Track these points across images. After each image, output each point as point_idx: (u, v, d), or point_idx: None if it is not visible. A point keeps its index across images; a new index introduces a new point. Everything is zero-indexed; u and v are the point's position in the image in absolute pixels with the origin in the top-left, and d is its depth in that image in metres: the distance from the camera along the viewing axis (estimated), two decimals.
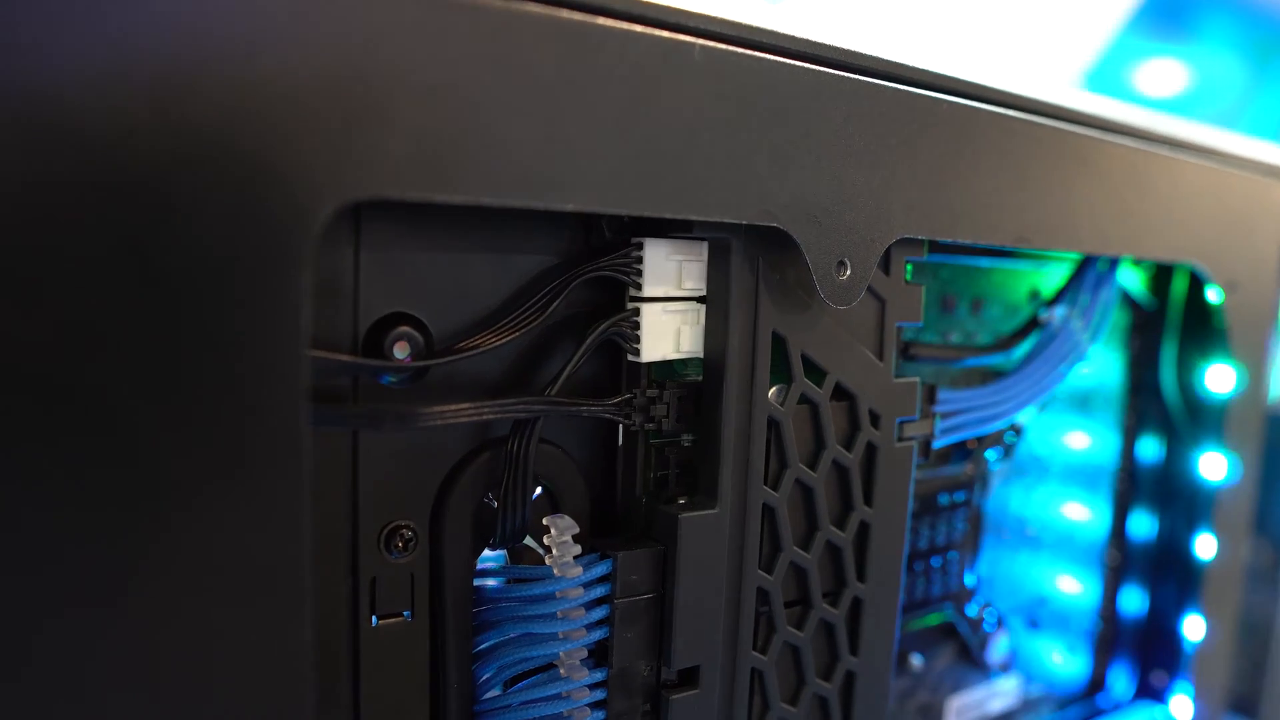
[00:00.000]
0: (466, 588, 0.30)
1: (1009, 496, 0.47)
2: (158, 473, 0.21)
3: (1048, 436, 0.48)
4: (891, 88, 0.31)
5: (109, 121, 0.19)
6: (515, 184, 0.24)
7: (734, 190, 0.27)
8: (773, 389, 0.32)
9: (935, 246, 0.39)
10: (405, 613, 0.29)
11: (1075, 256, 0.44)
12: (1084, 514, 0.51)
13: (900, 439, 0.35)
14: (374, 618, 0.29)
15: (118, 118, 0.19)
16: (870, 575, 0.35)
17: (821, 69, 0.29)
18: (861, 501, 0.34)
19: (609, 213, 0.25)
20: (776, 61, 0.28)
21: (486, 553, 0.31)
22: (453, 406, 0.27)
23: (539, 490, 0.31)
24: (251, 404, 0.21)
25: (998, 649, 0.47)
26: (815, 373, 0.32)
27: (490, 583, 0.31)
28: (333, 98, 0.21)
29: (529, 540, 0.31)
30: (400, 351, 0.27)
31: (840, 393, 0.33)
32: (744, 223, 0.28)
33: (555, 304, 0.29)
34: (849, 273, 0.30)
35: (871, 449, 0.34)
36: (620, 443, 0.32)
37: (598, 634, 0.30)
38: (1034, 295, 0.45)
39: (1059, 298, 0.43)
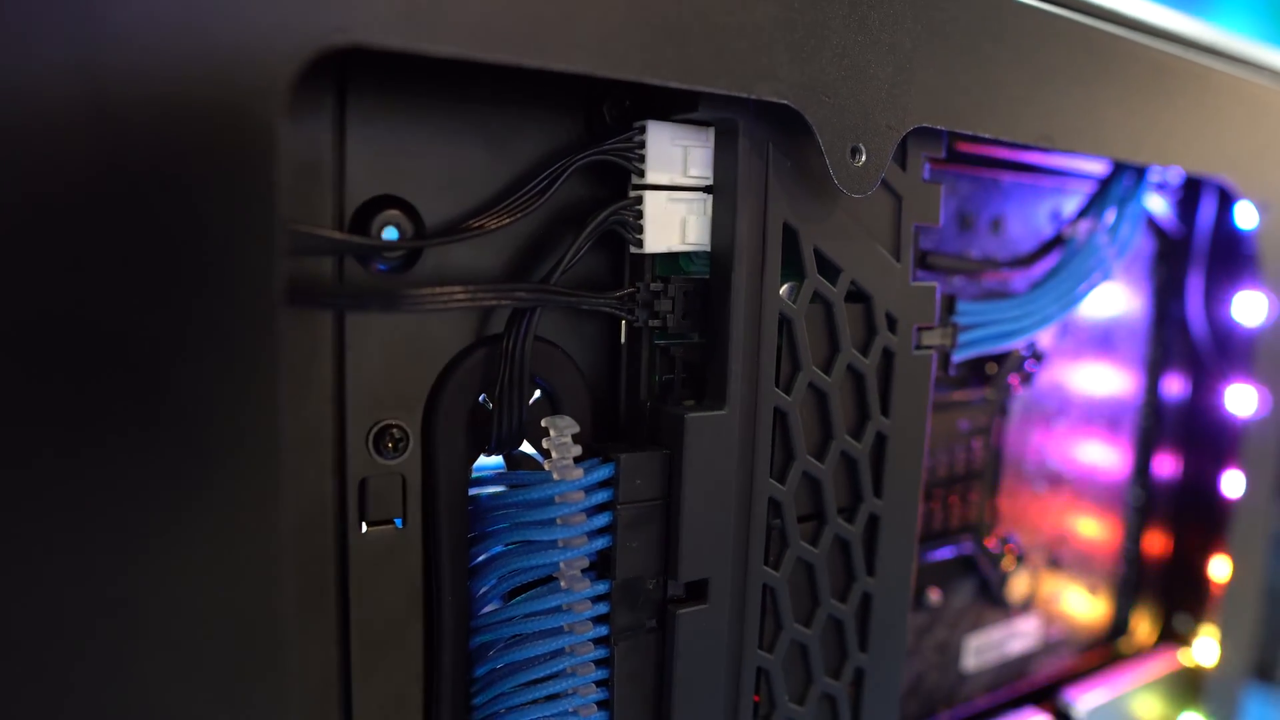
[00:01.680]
0: (461, 494, 0.28)
1: (1030, 432, 0.45)
2: (117, 346, 0.19)
3: (1069, 371, 0.47)
4: None
5: None
6: (508, 38, 0.22)
7: (742, 61, 0.26)
8: (784, 286, 0.30)
9: (955, 157, 0.37)
10: (396, 520, 0.28)
11: (1101, 173, 0.42)
12: (1106, 452, 0.50)
13: (919, 347, 0.33)
14: (363, 524, 0.27)
15: None
16: (888, 491, 0.33)
17: None
18: (878, 411, 0.32)
19: (608, 76, 0.24)
20: None
21: (484, 460, 0.29)
22: (444, 290, 0.25)
23: (537, 393, 0.30)
24: (218, 273, 0.20)
25: (1018, 587, 0.46)
26: (829, 270, 0.31)
27: (487, 491, 0.29)
28: None
29: (529, 448, 0.29)
30: (389, 235, 0.26)
31: (855, 294, 0.32)
32: (752, 98, 0.26)
33: (555, 187, 0.27)
34: (864, 159, 0.29)
35: (888, 355, 0.32)
36: (623, 341, 0.30)
37: (599, 543, 0.28)
38: (1056, 215, 0.43)
39: (1083, 212, 0.41)
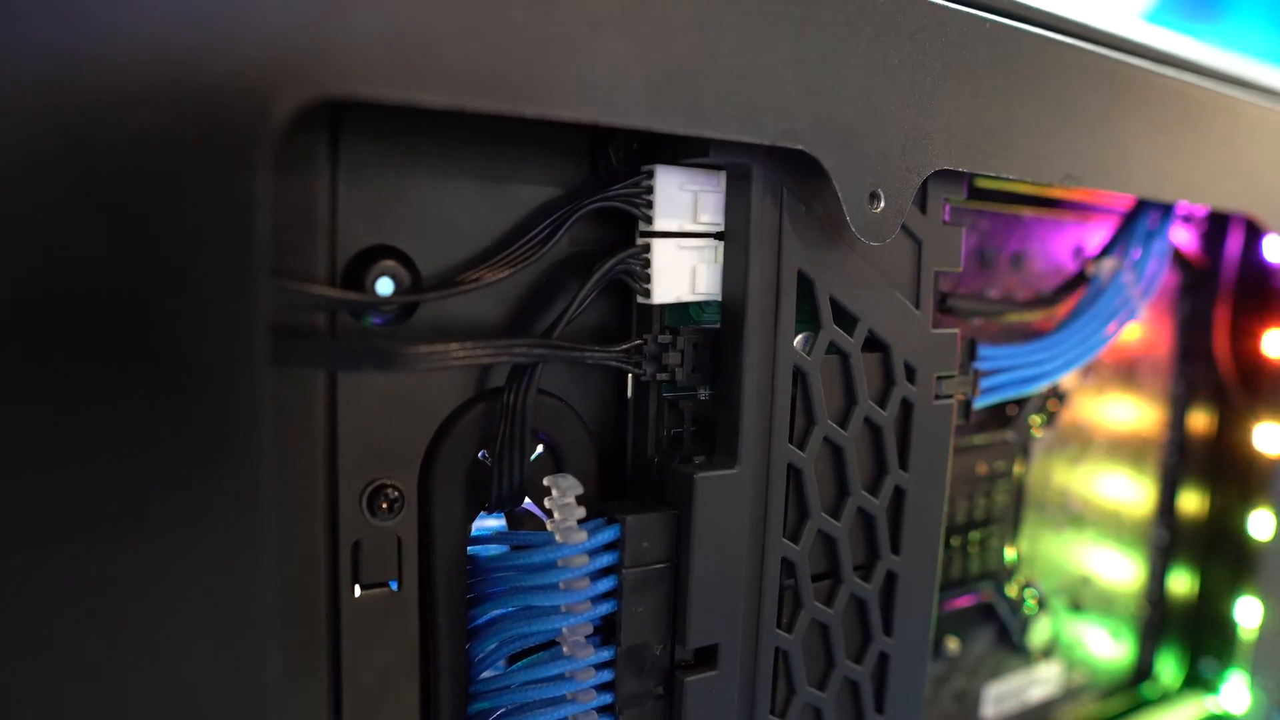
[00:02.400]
0: (459, 555, 0.27)
1: (1051, 469, 0.44)
2: (87, 409, 0.18)
3: (1090, 406, 0.45)
4: (931, 3, 0.28)
5: None
6: (506, 86, 0.21)
7: (755, 105, 0.24)
8: (798, 337, 0.29)
9: (975, 193, 0.36)
10: (391, 582, 0.26)
11: (1124, 210, 0.41)
12: (1129, 489, 0.48)
13: (938, 396, 0.32)
14: (357, 587, 0.26)
15: None
16: (906, 547, 0.32)
17: None
18: (896, 464, 0.31)
19: (611, 124, 0.22)
20: None
21: (484, 519, 0.28)
22: (442, 347, 0.24)
23: (540, 449, 0.28)
24: (197, 331, 0.18)
25: (1039, 633, 0.44)
26: (845, 320, 0.29)
27: (486, 550, 0.28)
28: None
29: (530, 506, 0.28)
30: (384, 288, 0.25)
31: (872, 343, 0.30)
32: (766, 144, 0.25)
33: (557, 237, 0.26)
34: (882, 205, 0.27)
35: (907, 406, 0.31)
36: (629, 395, 0.29)
37: (604, 608, 0.27)
38: (1079, 252, 0.42)
39: (1107, 250, 0.39)
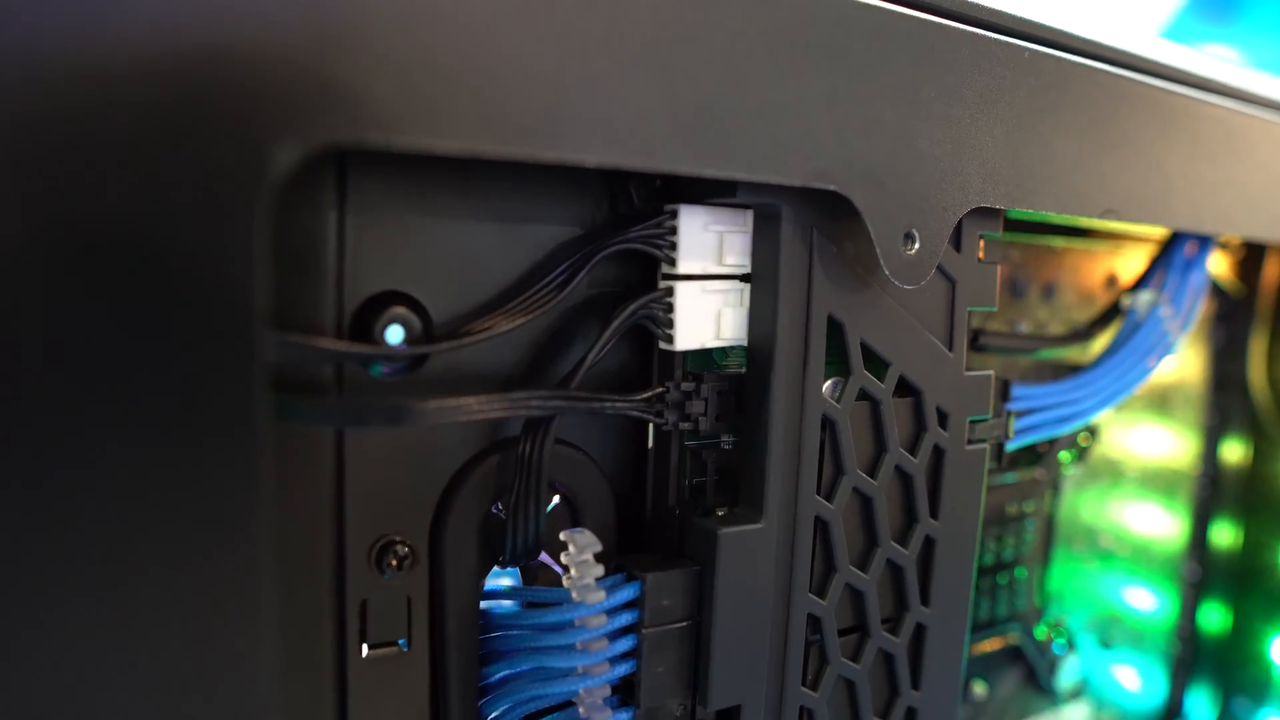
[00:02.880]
0: (471, 613, 0.26)
1: (1080, 504, 0.42)
2: (74, 474, 0.17)
3: (1121, 437, 0.44)
4: (966, 31, 0.27)
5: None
6: (522, 130, 0.20)
7: (783, 145, 0.23)
8: (827, 382, 0.27)
9: (1006, 224, 0.35)
10: (401, 641, 0.25)
11: (1159, 237, 0.40)
12: (1160, 523, 0.46)
13: (972, 441, 0.30)
14: (365, 647, 0.25)
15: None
16: (935, 598, 0.30)
17: (885, 5, 0.25)
18: (927, 513, 0.30)
19: (633, 168, 0.21)
20: None
21: (496, 572, 0.27)
22: (454, 402, 0.23)
23: (555, 499, 0.27)
24: (193, 391, 0.17)
25: (1068, 673, 0.42)
26: (876, 364, 0.28)
27: (500, 607, 0.26)
28: (298, 13, 0.17)
29: (545, 557, 0.27)
30: (394, 336, 0.23)
31: (904, 387, 0.29)
32: (795, 185, 0.24)
33: (575, 282, 0.24)
34: (917, 246, 0.26)
35: (939, 453, 0.30)
36: (650, 444, 0.27)
37: (623, 668, 0.26)
38: (1111, 281, 0.40)
39: (1142, 281, 0.38)
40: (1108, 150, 0.31)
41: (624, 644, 0.25)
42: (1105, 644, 0.45)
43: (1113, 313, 0.37)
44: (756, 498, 0.26)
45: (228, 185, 0.17)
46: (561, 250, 0.26)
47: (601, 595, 0.25)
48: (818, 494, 0.27)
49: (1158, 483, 0.46)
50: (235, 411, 0.18)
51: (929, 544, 0.30)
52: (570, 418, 0.27)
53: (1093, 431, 0.40)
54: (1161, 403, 0.45)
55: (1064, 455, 0.40)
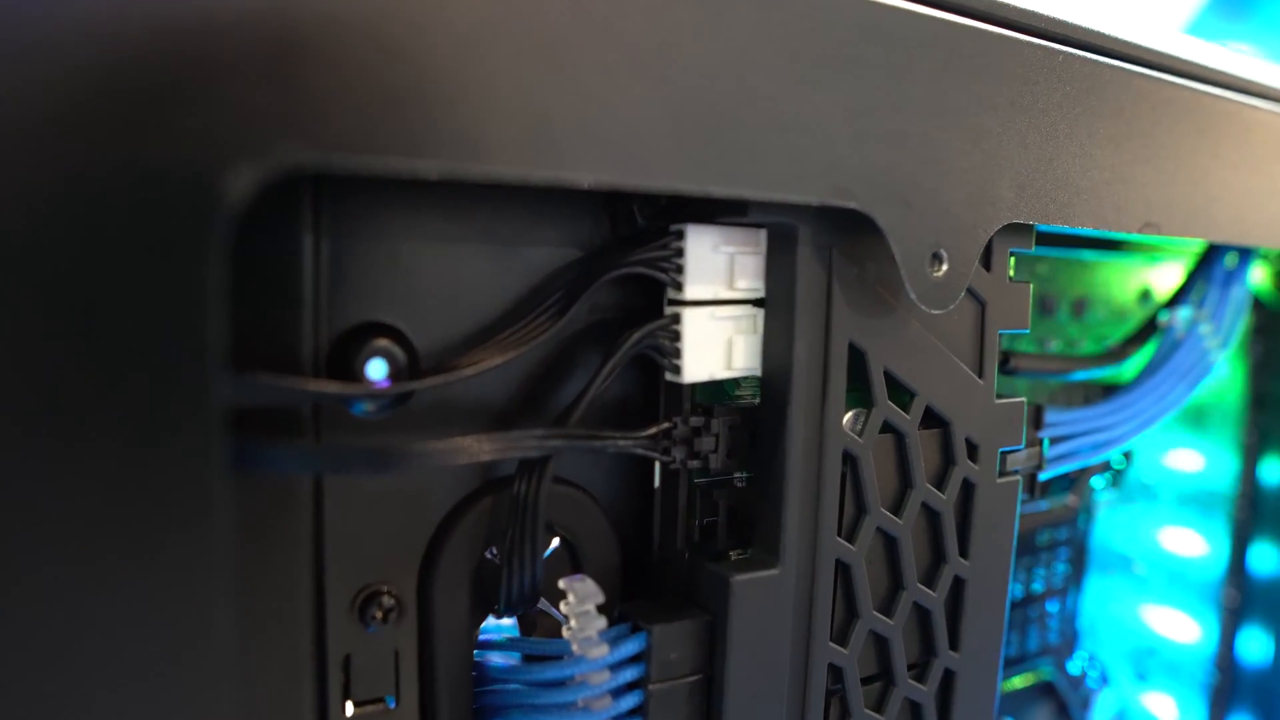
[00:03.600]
0: (464, 667, 0.24)
1: (1113, 529, 0.40)
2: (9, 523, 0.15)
3: (1155, 458, 0.41)
4: (997, 33, 0.25)
5: None
6: (506, 149, 0.18)
7: (798, 161, 0.21)
8: (848, 415, 0.25)
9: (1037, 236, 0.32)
10: (388, 698, 0.23)
11: (1196, 249, 0.37)
12: (1197, 547, 0.44)
13: (1003, 473, 0.28)
14: (348, 704, 0.23)
15: None
16: (965, 642, 0.28)
17: (909, 6, 0.23)
18: (956, 552, 0.27)
19: (632, 188, 0.19)
20: None
21: (494, 620, 0.25)
22: (440, 445, 0.21)
23: (555, 543, 0.25)
24: (138, 440, 0.15)
25: (1102, 709, 0.40)
26: (901, 394, 0.26)
27: (496, 659, 0.25)
28: (248, 23, 0.15)
29: (545, 604, 0.25)
30: (376, 371, 0.21)
31: (930, 418, 0.27)
32: (813, 204, 0.21)
33: (572, 310, 0.23)
34: (945, 267, 0.24)
35: (968, 487, 0.28)
36: (657, 484, 0.26)
37: None
38: (1146, 295, 0.38)
39: (1180, 297, 0.36)
40: (1148, 159, 0.29)
41: (629, 701, 0.23)
42: (1140, 676, 0.43)
43: (1149, 330, 0.35)
44: (772, 541, 0.24)
45: (173, 215, 0.15)
46: (559, 274, 0.24)
47: (604, 650, 0.23)
48: (839, 535, 0.25)
49: (1194, 505, 0.44)
50: (186, 458, 0.16)
51: (958, 585, 0.28)
52: (570, 455, 0.25)
53: (1127, 454, 0.38)
54: (1197, 421, 0.43)
55: (1097, 480, 0.37)
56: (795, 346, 0.24)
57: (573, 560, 0.25)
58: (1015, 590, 0.36)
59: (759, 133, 0.21)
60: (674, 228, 0.23)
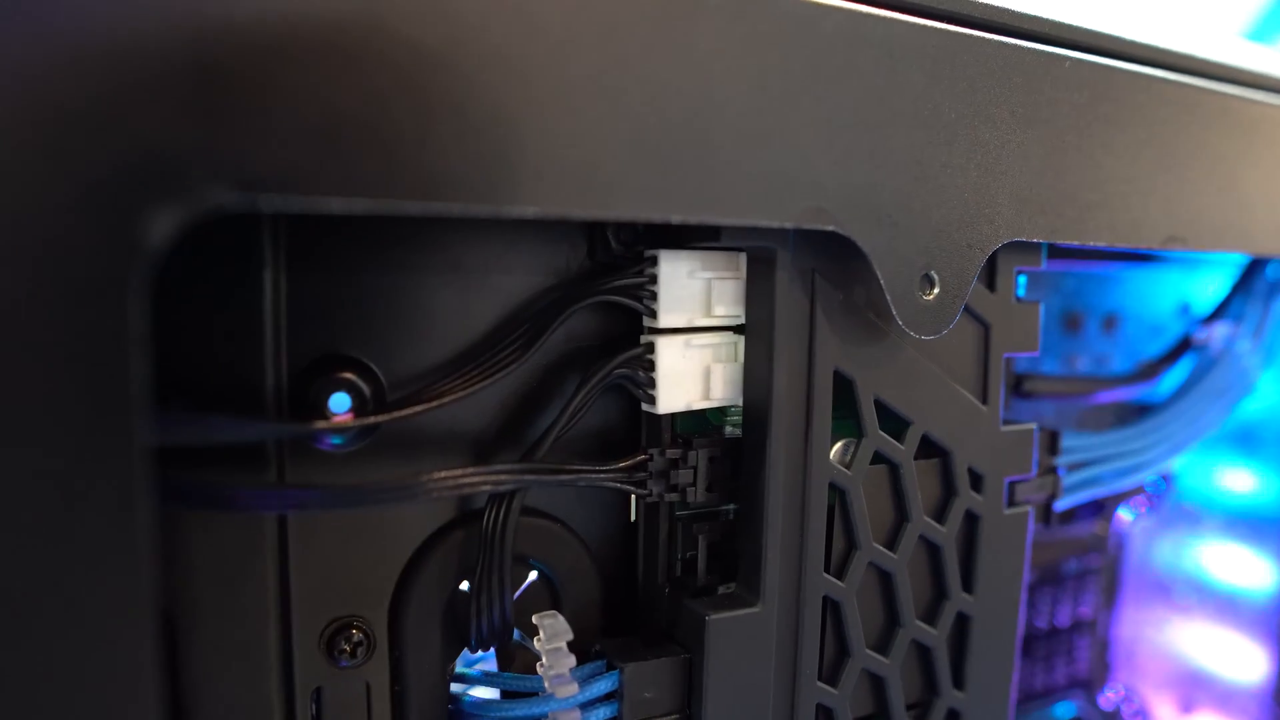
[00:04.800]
0: (438, 702, 0.23)
1: (1152, 552, 0.38)
2: None
3: (1201, 478, 0.39)
4: (991, 40, 0.23)
5: None
6: (445, 181, 0.17)
7: (768, 182, 0.20)
8: (836, 445, 0.24)
9: (1055, 251, 0.31)
10: None
11: (1239, 259, 0.35)
12: (1251, 572, 0.41)
13: (1012, 504, 0.27)
14: None
15: None
16: (971, 681, 0.27)
17: (894, 15, 0.21)
18: (959, 587, 0.26)
19: (584, 217, 0.18)
20: (827, 3, 0.21)
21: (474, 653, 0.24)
22: (404, 482, 0.20)
23: (534, 576, 0.25)
24: (62, 481, 0.15)
25: None
26: (895, 423, 0.25)
27: (471, 693, 0.24)
28: (169, 50, 0.15)
29: (524, 638, 0.24)
30: (339, 405, 0.21)
31: (929, 447, 0.25)
32: (786, 226, 0.20)
33: (540, 341, 0.22)
34: (937, 290, 0.23)
35: (972, 519, 0.26)
36: (634, 518, 0.25)
37: None
38: (1184, 309, 0.36)
39: (1219, 312, 0.33)
40: (1171, 169, 0.27)
41: None
42: (1186, 709, 0.40)
43: (1184, 347, 0.33)
44: (753, 579, 0.23)
45: (89, 260, 0.15)
46: (532, 304, 0.23)
47: (574, 689, 0.22)
48: (827, 572, 0.24)
49: (1244, 528, 0.41)
50: (109, 498, 0.16)
51: (962, 621, 0.26)
52: (555, 489, 0.24)
53: (1166, 478, 0.36)
54: (1245, 439, 0.40)
55: (1131, 505, 0.35)
56: (775, 375, 0.23)
57: (551, 594, 0.25)
58: (1039, 621, 0.34)
59: (722, 154, 0.20)
60: (648, 254, 0.23)
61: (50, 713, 0.16)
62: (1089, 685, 0.36)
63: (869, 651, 0.25)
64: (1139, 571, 0.37)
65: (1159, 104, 0.26)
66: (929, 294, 0.23)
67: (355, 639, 0.22)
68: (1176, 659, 0.39)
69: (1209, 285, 0.36)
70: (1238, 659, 0.42)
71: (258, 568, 0.21)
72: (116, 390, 0.15)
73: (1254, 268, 0.33)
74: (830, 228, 0.21)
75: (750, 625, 0.23)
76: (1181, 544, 0.39)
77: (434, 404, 0.21)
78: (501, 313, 0.23)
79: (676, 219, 0.19)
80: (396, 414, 0.21)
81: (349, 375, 0.21)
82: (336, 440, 0.22)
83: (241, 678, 0.21)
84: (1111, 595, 0.36)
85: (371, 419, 0.21)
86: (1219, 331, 0.33)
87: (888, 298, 0.22)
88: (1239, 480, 0.40)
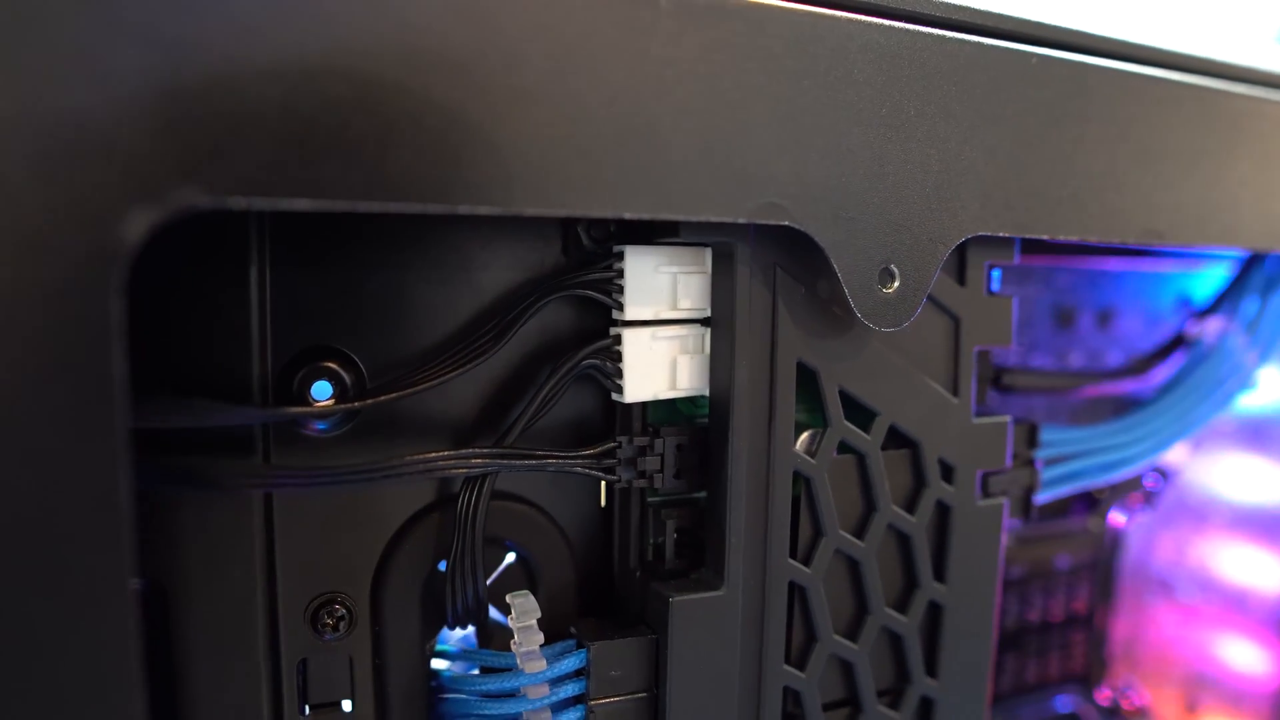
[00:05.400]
0: (418, 675, 0.25)
1: (1154, 553, 0.38)
2: None
3: (1209, 475, 0.39)
4: (951, 39, 0.24)
5: None
6: (406, 180, 0.18)
7: (720, 178, 0.21)
8: (803, 436, 0.25)
9: (1039, 245, 0.31)
10: (345, 702, 0.24)
11: (1238, 254, 0.35)
12: (1259, 569, 0.41)
13: (986, 496, 0.27)
14: (305, 708, 0.24)
15: None
16: (945, 670, 0.27)
17: (845, 14, 0.22)
18: (930, 577, 0.27)
19: (533, 213, 0.19)
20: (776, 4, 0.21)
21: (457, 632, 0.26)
22: (380, 465, 0.22)
23: (511, 558, 0.26)
24: (45, 463, 0.17)
25: None
26: (862, 414, 0.25)
27: (451, 668, 0.25)
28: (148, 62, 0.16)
29: (502, 618, 0.26)
30: (321, 393, 0.22)
31: (898, 438, 0.26)
32: (740, 221, 0.21)
33: (509, 335, 0.23)
34: (897, 284, 0.23)
35: (944, 510, 0.27)
36: (604, 503, 0.26)
37: None
38: (1184, 304, 0.36)
39: (1214, 307, 0.33)
40: (1146, 163, 0.27)
41: (571, 716, 0.24)
42: (1190, 708, 0.40)
43: (1176, 343, 0.33)
44: (718, 562, 0.24)
45: (72, 256, 0.16)
46: (508, 297, 0.24)
47: (542, 664, 0.23)
48: (793, 558, 0.25)
49: (1254, 525, 0.41)
50: (92, 477, 0.17)
51: (935, 610, 0.27)
52: (532, 475, 0.25)
53: (1163, 474, 0.36)
54: (1255, 435, 0.40)
55: (1128, 499, 0.35)
56: (736, 366, 0.23)
57: (528, 577, 0.26)
58: (1030, 615, 0.34)
59: (674, 152, 0.20)
60: (617, 249, 0.24)
61: (42, 683, 0.17)
62: (1085, 680, 0.36)
63: (838, 637, 0.26)
64: (1138, 568, 0.37)
65: (1132, 99, 0.26)
66: (889, 287, 0.23)
67: (339, 614, 0.24)
68: (1181, 658, 0.39)
69: (1209, 281, 0.36)
70: (1246, 659, 0.41)
71: (246, 547, 0.23)
72: (100, 373, 0.17)
73: (1251, 262, 0.33)
74: (785, 223, 0.22)
75: (714, 607, 0.24)
76: (1185, 541, 0.38)
77: (409, 390, 0.22)
78: (478, 307, 0.24)
79: (630, 215, 0.20)
80: (372, 400, 0.22)
81: (331, 365, 0.23)
82: (321, 426, 0.23)
83: (231, 649, 0.23)
84: (1108, 591, 0.36)
85: (350, 405, 0.22)
86: (1211, 326, 0.33)
87: (845, 291, 0.23)
88: (1248, 476, 0.40)
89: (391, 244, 0.23)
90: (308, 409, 0.22)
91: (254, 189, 0.17)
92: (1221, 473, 0.39)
